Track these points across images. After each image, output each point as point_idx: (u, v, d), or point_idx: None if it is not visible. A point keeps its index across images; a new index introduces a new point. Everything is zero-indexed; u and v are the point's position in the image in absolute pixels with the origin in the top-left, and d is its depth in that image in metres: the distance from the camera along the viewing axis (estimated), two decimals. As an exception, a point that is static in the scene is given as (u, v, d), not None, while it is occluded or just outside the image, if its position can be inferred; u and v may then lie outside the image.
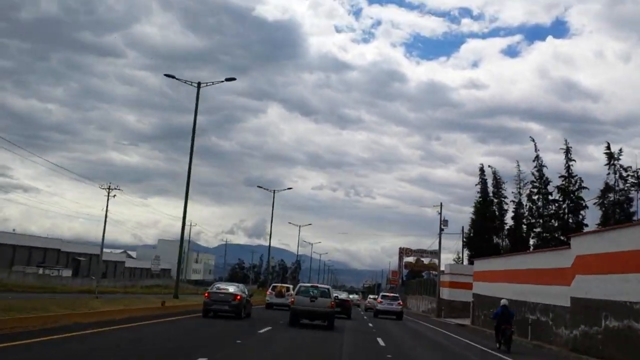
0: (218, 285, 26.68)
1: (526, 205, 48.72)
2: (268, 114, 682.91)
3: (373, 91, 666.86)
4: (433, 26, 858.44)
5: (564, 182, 43.43)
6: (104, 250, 72.47)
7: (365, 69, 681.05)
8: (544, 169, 46.56)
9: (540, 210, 46.30)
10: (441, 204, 60.87)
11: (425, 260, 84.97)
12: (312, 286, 26.10)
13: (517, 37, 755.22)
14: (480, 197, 59.17)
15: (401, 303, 43.35)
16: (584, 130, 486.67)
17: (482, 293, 37.48)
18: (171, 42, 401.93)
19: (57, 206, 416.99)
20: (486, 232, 55.94)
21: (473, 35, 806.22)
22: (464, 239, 62.74)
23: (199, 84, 37.29)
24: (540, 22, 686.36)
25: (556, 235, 43.43)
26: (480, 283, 38.53)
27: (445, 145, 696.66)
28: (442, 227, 59.66)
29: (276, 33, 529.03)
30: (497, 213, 57.11)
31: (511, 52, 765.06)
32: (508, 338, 20.79)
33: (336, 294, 32.53)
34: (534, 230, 46.85)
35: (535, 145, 47.73)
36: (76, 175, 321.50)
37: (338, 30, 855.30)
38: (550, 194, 45.36)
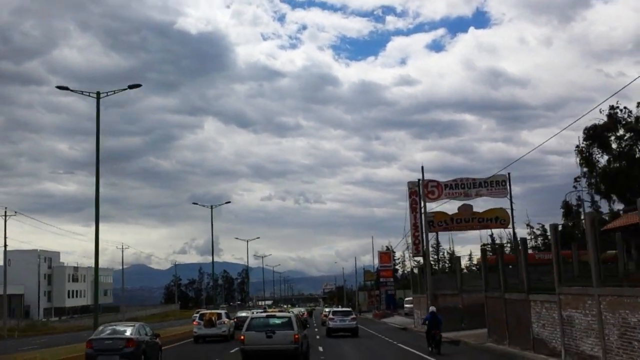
0: (106, 328, 20.77)
1: None
2: (205, 129, 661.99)
3: (307, 96, 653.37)
4: (358, 27, 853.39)
5: None
6: None
7: (296, 75, 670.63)
8: None
9: None
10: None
11: (473, 205, 42.61)
12: (267, 316, 20.92)
13: (441, 31, 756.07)
14: None
15: (355, 317, 39.51)
16: (516, 116, 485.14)
17: None
18: (94, 64, 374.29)
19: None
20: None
21: (399, 32, 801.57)
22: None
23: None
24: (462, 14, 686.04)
25: None
26: None
27: (385, 144, 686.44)
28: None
29: (202, 46, 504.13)
30: None
31: (436, 47, 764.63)
32: (437, 342, 22.39)
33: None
34: None
35: None
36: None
37: (265, 37, 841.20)
38: None
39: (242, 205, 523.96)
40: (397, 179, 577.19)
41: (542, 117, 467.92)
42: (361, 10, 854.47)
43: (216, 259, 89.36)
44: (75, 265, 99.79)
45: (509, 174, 41.19)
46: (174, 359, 23.96)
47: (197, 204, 56.90)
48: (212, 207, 53.82)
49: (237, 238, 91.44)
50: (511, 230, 41.31)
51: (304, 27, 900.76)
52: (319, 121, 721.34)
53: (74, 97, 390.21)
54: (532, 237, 64.61)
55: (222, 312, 36.64)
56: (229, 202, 60.34)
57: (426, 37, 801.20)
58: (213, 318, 33.72)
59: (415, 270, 54.29)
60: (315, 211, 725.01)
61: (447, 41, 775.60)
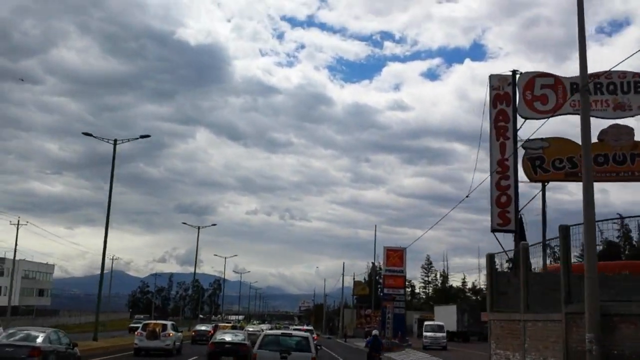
0: (16, 332, 18.87)
1: None
2: (196, 139, 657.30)
3: (300, 114, 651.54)
4: (356, 50, 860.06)
5: None
6: None
7: (291, 93, 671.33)
8: None
9: None
10: None
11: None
12: (283, 334, 18.61)
13: (437, 60, 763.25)
14: None
15: (316, 337, 38.48)
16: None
17: None
18: (91, 67, 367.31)
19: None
20: None
21: (395, 58, 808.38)
22: None
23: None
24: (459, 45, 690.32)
25: None
26: None
27: (374, 167, 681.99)
28: None
29: (200, 57, 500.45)
30: None
31: (431, 75, 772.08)
32: None
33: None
34: None
35: None
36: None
37: (263, 53, 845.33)
38: None
39: (226, 217, 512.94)
40: (384, 202, 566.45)
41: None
42: (360, 34, 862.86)
43: (196, 270, 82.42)
44: (1, 257, 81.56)
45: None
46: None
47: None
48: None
49: (184, 223, 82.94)
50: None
51: (302, 46, 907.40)
52: (310, 140, 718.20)
53: (66, 98, 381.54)
54: None
55: (168, 323, 35.03)
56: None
57: (422, 65, 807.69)
58: (157, 329, 32.06)
59: (504, 262, 25.48)
60: (300, 228, 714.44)
61: (443, 70, 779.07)
